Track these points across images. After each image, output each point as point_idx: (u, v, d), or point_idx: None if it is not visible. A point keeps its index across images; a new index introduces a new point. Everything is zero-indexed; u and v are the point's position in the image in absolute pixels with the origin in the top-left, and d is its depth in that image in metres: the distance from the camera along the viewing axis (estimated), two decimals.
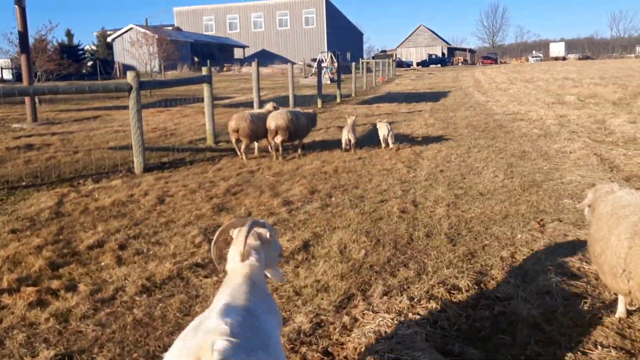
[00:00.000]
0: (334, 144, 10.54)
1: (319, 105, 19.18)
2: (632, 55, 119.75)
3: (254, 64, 13.04)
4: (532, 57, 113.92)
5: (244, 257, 2.41)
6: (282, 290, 3.99)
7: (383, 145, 10.14)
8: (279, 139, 9.47)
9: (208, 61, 54.03)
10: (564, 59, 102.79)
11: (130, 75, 8.31)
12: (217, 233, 2.59)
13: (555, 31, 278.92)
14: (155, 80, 11.34)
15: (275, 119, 9.49)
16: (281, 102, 17.57)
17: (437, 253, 4.73)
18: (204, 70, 10.76)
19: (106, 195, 6.89)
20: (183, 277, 4.26)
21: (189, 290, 4.02)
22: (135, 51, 28.01)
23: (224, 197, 6.74)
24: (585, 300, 3.69)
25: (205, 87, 10.77)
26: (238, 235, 2.51)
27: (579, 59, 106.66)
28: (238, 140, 9.37)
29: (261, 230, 2.56)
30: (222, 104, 20.09)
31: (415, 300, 3.71)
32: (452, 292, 3.86)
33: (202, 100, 22.22)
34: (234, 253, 2.45)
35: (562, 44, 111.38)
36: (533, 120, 13.82)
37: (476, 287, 3.96)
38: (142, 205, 6.40)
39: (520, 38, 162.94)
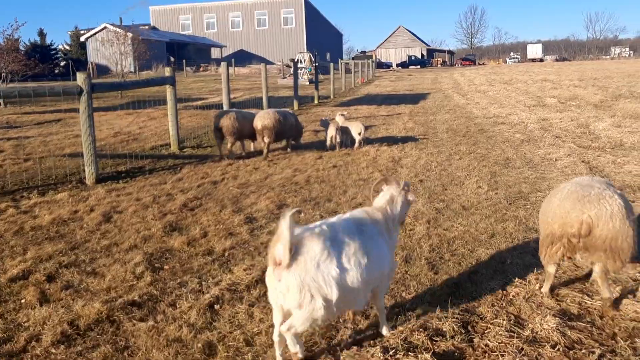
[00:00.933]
0: (309, 150, 9.88)
1: (295, 107, 18.50)
2: (608, 56, 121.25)
3: (223, 64, 12.31)
4: (510, 58, 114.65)
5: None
6: (231, 338, 3.31)
7: (357, 145, 9.82)
8: (266, 139, 9.03)
9: (184, 61, 53.21)
10: (541, 60, 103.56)
11: (80, 77, 7.56)
12: (372, 186, 3.54)
13: (532, 33, 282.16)
14: (109, 82, 10.50)
15: (262, 119, 9.00)
16: (256, 103, 16.89)
17: (416, 284, 4.09)
18: (167, 71, 10.01)
19: (47, 211, 6.13)
20: (113, 321, 3.55)
21: (118, 340, 3.32)
22: (105, 50, 27.01)
23: (179, 213, 6.03)
24: (593, 352, 3.08)
25: (168, 90, 10.03)
26: (391, 189, 3.40)
27: (556, 60, 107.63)
28: (222, 139, 9.29)
29: (411, 196, 3.49)
30: (195, 106, 19.30)
31: (391, 352, 3.06)
32: (435, 339, 3.22)
33: (179, 100, 21.53)
34: (381, 197, 3.38)
35: (540, 45, 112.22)
36: (515, 123, 13.33)
37: (463, 330, 3.32)
38: (85, 225, 5.67)
39: (498, 40, 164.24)
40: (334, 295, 2.61)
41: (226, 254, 4.75)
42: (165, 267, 4.50)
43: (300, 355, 2.80)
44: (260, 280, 4.15)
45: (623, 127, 11.72)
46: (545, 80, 31.86)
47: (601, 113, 14.76)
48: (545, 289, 3.90)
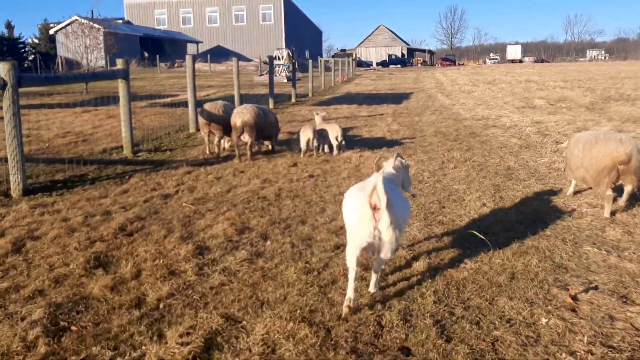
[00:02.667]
0: (282, 155, 8.64)
1: (271, 105, 17.22)
2: (586, 58, 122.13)
3: (188, 57, 11.00)
4: (490, 59, 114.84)
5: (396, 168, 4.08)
6: None
7: (335, 150, 8.73)
8: (245, 137, 8.11)
9: (157, 56, 51.40)
10: (520, 61, 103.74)
11: (3, 68, 6.21)
12: (375, 161, 4.17)
13: (511, 34, 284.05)
14: (42, 76, 9.07)
15: (242, 115, 7.85)
16: (228, 101, 15.54)
17: None
18: (119, 63, 8.67)
19: None
20: None
21: None
22: (69, 43, 25.38)
23: (112, 240, 4.75)
24: None
25: (120, 85, 8.70)
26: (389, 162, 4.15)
27: (535, 61, 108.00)
28: (210, 134, 8.86)
29: (405, 161, 4.41)
30: (162, 103, 17.87)
31: None
32: None
33: (146, 97, 20.08)
34: (387, 166, 4.09)
35: (519, 46, 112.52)
36: (507, 127, 12.27)
37: None
38: None
39: (478, 40, 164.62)
40: (404, 228, 3.61)
41: (160, 307, 3.50)
42: (73, 327, 3.23)
43: (372, 290, 3.77)
44: (205, 349, 2.91)
45: (626, 132, 10.71)
46: (529, 81, 31.09)
47: (597, 116, 13.80)
48: (607, 213, 5.36)
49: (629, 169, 5.12)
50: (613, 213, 5.43)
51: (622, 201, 5.54)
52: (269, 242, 4.72)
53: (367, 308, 3.47)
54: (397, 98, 21.24)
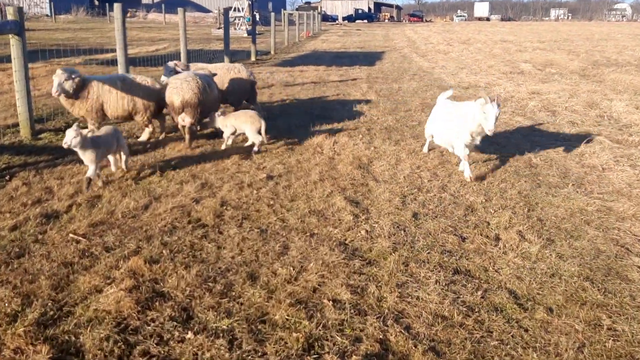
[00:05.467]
0: (234, 142, 6.57)
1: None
2: (551, 17, 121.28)
3: (116, 7, 8.64)
4: (457, 16, 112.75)
5: None
6: None
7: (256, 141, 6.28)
8: (187, 120, 6.10)
9: (107, 5, 47.41)
10: (487, 19, 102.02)
11: None
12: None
13: None
14: None
15: (181, 91, 5.76)
16: (177, 57, 13.13)
17: None
18: (9, 13, 6.33)
19: None
20: None
21: None
22: None
23: None
24: None
25: (12, 42, 6.38)
26: None
27: (502, 19, 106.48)
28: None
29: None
30: (100, 60, 15.27)
31: None
32: None
33: (84, 52, 17.32)
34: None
35: (487, 4, 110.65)
36: (504, 99, 10.41)
37: None
38: None
39: None
40: None
41: None
42: None
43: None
44: None
45: None
46: (505, 41, 29.36)
47: (597, 86, 12.08)
48: None
49: None
50: None
51: None
52: (189, 335, 2.73)
53: None
54: (369, 58, 19.11)
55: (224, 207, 4.44)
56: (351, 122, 7.98)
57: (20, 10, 6.42)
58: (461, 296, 3.17)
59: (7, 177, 5.07)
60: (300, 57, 19.56)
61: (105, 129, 5.06)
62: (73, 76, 5.94)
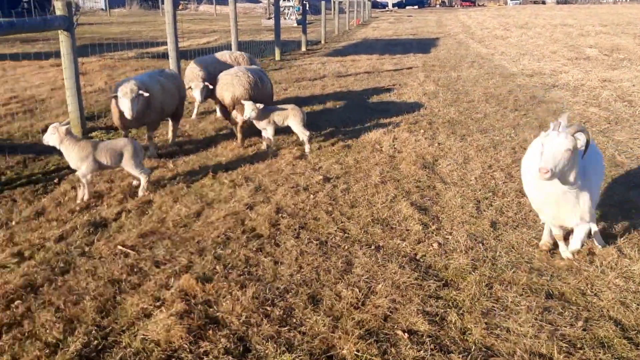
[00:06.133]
0: (288, 136, 6.22)
1: (277, 56, 14.59)
2: (605, 1, 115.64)
3: (167, 0, 8.39)
4: (511, 0, 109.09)
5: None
6: None
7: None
8: (239, 118, 5.82)
9: None
10: (543, 2, 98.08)
11: None
12: None
13: None
14: None
15: (232, 87, 5.51)
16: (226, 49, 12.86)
17: None
18: (58, 8, 6.15)
19: None
20: None
21: None
22: None
23: None
24: None
25: (62, 39, 6.22)
26: None
27: (557, 2, 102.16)
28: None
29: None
30: (153, 53, 15.21)
31: None
32: None
33: (137, 46, 17.36)
34: None
35: None
36: (573, 87, 9.69)
37: None
38: None
39: None
40: None
41: None
42: None
43: None
44: None
45: None
46: (565, 25, 27.91)
47: None
48: None
49: None
50: None
51: None
52: None
53: None
54: (423, 45, 18.42)
55: (280, 215, 4.10)
56: (410, 115, 7.51)
57: (69, 5, 6.23)
58: (559, 328, 2.71)
59: (56, 180, 4.89)
60: (352, 45, 19.05)
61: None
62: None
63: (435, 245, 3.59)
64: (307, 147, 5.77)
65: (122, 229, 3.87)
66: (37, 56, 13.07)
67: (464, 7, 75.37)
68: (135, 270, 3.27)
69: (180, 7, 51.62)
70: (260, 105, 5.59)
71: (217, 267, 3.29)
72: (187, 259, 3.41)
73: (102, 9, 47.00)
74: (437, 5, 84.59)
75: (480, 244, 3.62)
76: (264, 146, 5.84)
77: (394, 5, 77.81)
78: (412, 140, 6.11)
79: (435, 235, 3.76)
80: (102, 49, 15.37)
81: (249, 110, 5.47)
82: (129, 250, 3.51)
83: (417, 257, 3.46)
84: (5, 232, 3.77)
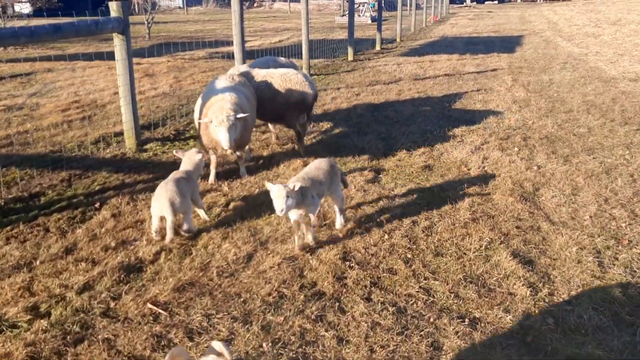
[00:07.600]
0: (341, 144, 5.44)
1: (350, 57, 13.80)
2: None
3: (234, 1, 7.80)
4: None
5: None
6: None
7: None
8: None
9: None
10: None
11: None
12: None
13: None
14: None
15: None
16: (296, 50, 12.27)
17: None
18: (113, 9, 5.65)
19: None
20: None
21: None
22: None
23: None
24: None
25: (116, 42, 5.72)
26: None
27: None
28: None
29: None
30: (224, 53, 14.79)
31: None
32: None
33: (209, 45, 17.12)
34: None
35: None
36: None
37: None
38: None
39: None
40: None
41: None
42: None
43: None
44: None
45: None
46: None
47: None
48: None
49: None
50: None
51: None
52: None
53: None
54: (507, 44, 17.08)
55: (347, 263, 3.33)
56: (500, 128, 6.54)
57: (125, 5, 5.72)
58: None
59: (97, 205, 4.34)
60: (429, 44, 17.98)
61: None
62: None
63: (551, 322, 2.72)
64: (340, 219, 3.85)
65: (157, 275, 3.23)
66: (109, 55, 12.97)
67: (548, 2, 71.57)
68: (162, 343, 2.60)
69: (255, 4, 51.88)
70: (296, 185, 3.36)
71: (264, 344, 2.57)
72: (228, 328, 2.71)
73: (180, 7, 47.92)
74: (519, 0, 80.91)
75: (612, 322, 2.71)
76: (310, 240, 3.64)
77: (472, 0, 75.10)
78: (506, 162, 5.18)
79: (548, 303, 2.88)
80: (176, 48, 15.21)
81: (281, 202, 3.27)
82: (160, 311, 2.85)
83: (529, 341, 2.60)
84: (25, 276, 3.22)
